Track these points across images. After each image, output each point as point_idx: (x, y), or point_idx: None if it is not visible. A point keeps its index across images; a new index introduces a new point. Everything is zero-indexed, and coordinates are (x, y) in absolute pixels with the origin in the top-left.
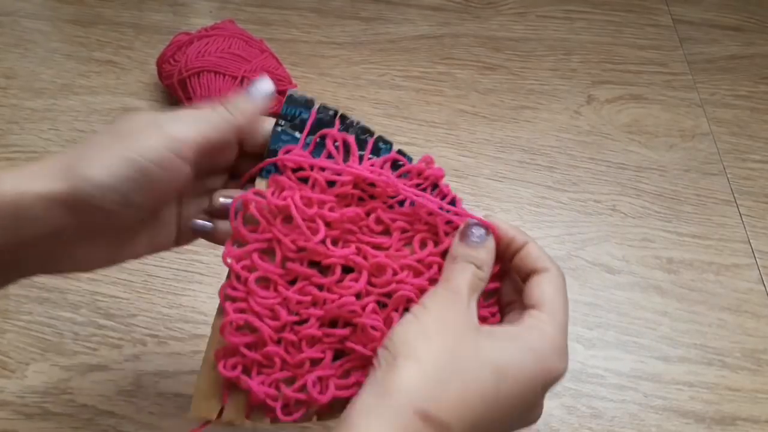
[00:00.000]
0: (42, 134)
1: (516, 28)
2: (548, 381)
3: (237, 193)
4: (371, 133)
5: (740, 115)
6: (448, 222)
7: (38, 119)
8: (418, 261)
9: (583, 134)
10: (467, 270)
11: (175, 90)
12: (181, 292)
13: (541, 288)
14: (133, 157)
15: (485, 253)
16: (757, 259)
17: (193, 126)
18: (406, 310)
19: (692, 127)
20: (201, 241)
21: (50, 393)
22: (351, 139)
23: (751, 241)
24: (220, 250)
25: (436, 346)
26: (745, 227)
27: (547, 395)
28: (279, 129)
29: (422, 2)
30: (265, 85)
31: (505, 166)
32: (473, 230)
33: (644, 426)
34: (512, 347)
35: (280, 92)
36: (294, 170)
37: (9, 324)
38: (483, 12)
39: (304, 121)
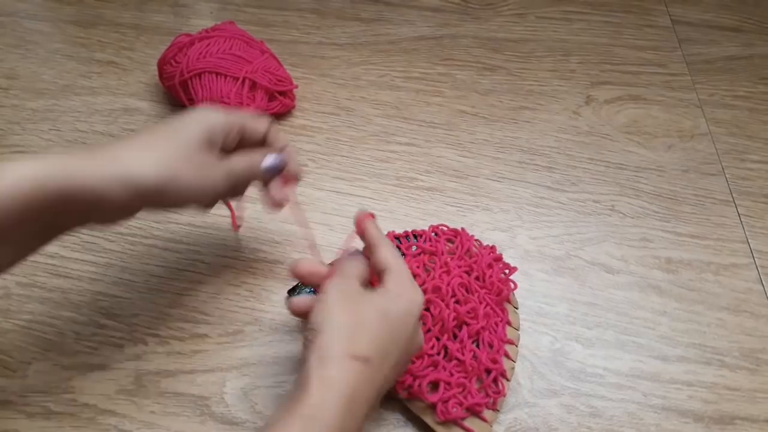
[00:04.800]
0: (43, 135)
1: (515, 29)
2: (414, 309)
3: (275, 155)
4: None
5: (739, 116)
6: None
7: (39, 120)
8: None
9: (582, 135)
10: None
11: (176, 91)
12: (182, 291)
13: (382, 257)
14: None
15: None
16: (756, 259)
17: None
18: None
19: (691, 128)
20: (202, 240)
21: (52, 392)
22: None
23: (749, 240)
24: (221, 250)
25: (342, 312)
26: (743, 227)
27: (547, 394)
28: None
29: (422, 3)
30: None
31: (504, 166)
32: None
33: (643, 425)
34: (384, 298)
35: (282, 92)
36: None
37: (10, 323)
38: (482, 13)
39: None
